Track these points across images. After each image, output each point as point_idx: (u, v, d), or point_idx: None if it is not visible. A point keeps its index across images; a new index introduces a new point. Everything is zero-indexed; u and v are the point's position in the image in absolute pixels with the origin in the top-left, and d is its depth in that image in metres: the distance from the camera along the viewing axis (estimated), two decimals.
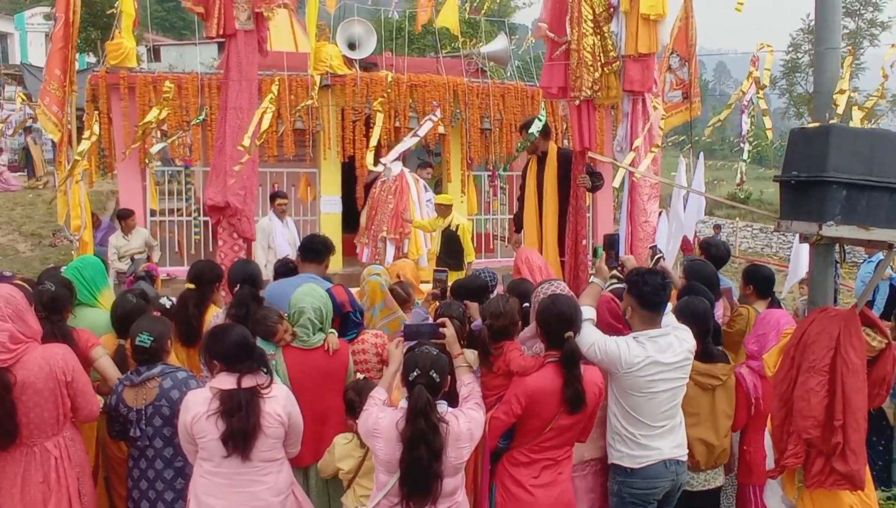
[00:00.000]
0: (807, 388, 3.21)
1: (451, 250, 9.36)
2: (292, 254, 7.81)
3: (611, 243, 4.72)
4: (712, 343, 4.50)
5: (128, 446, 4.20)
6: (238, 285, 4.72)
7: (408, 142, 9.59)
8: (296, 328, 4.38)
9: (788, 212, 3.15)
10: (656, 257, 5.40)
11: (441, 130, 11.82)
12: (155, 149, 8.26)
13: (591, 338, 3.93)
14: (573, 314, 3.84)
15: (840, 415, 3.14)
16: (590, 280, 4.50)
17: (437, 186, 11.31)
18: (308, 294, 4.43)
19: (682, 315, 4.33)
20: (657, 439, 3.97)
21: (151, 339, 4.04)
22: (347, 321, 4.63)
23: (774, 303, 5.39)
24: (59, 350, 3.78)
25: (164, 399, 3.96)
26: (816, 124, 3.08)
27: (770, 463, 3.63)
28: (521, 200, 8.03)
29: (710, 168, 19.57)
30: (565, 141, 12.42)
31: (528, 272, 4.93)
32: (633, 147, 6.67)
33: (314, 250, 5.36)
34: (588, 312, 4.10)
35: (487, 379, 3.98)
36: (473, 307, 4.62)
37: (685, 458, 4.11)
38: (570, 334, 3.78)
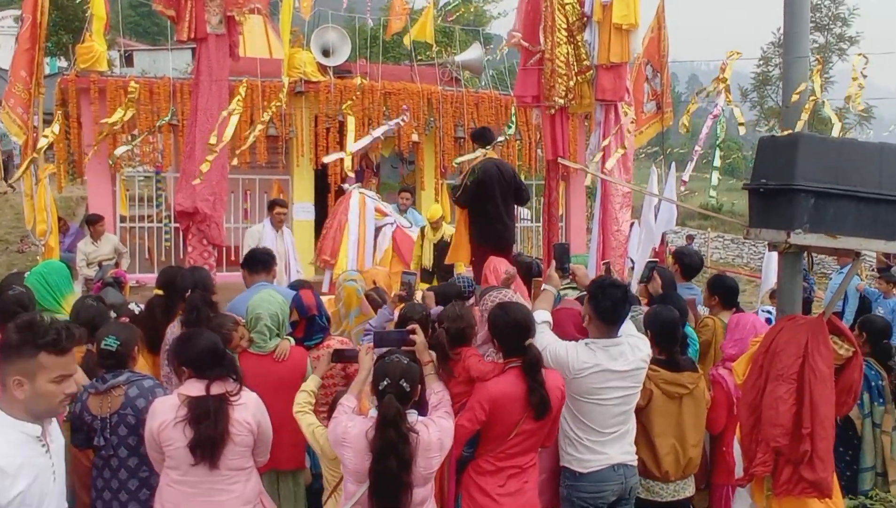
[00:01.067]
0: (775, 396, 3.22)
1: (445, 264, 9.00)
2: (280, 267, 7.74)
3: (560, 252, 4.79)
4: (679, 352, 4.51)
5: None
6: (189, 291, 4.69)
7: (367, 139, 9.65)
8: (252, 334, 4.37)
9: (757, 220, 3.17)
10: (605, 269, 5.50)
11: (415, 137, 11.80)
12: (119, 151, 8.11)
13: (543, 341, 3.95)
14: (528, 322, 3.83)
15: (808, 423, 3.15)
16: (542, 287, 4.55)
17: (413, 193, 11.18)
18: (265, 300, 4.43)
19: (651, 324, 4.35)
20: (606, 445, 3.98)
21: (118, 343, 3.95)
22: (313, 324, 4.59)
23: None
24: None
25: (130, 408, 3.87)
26: (786, 133, 3.11)
27: (739, 471, 3.64)
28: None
29: (680, 181, 19.74)
30: (538, 150, 12.46)
31: (495, 281, 4.93)
32: (601, 148, 6.70)
33: (261, 260, 5.50)
34: (542, 315, 4.15)
35: (449, 386, 3.94)
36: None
37: (634, 462, 4.10)
38: (531, 341, 3.78)
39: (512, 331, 3.77)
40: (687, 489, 4.47)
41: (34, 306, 4.37)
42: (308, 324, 4.58)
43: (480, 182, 6.59)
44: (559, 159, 6.87)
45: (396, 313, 4.86)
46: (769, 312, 5.03)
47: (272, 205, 9.17)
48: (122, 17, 12.91)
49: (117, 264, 10.01)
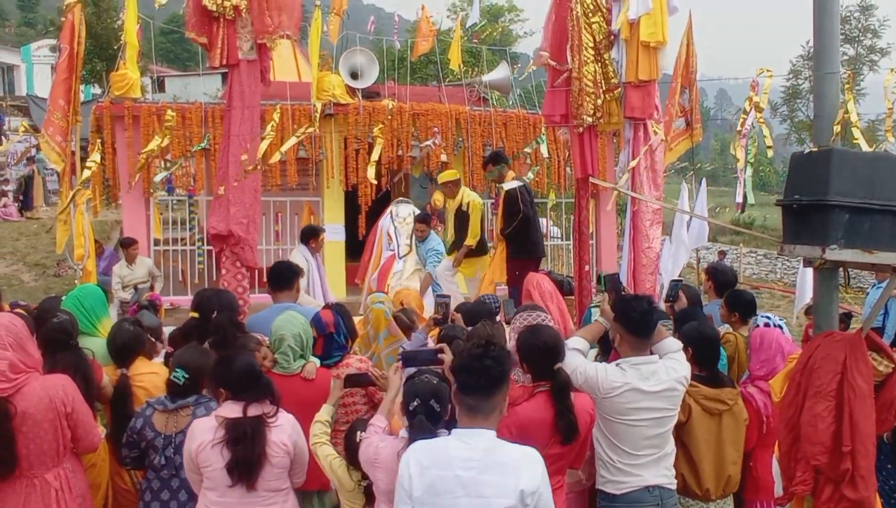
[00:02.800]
0: (814, 413, 3.18)
1: (465, 231, 8.94)
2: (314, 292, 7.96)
3: (614, 284, 4.76)
4: (718, 370, 4.46)
5: (132, 476, 4.14)
6: (215, 313, 4.74)
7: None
8: (276, 354, 4.40)
9: (791, 236, 3.15)
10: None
11: (444, 158, 11.84)
12: (158, 178, 8.26)
13: (573, 364, 3.91)
14: (557, 345, 3.81)
15: (848, 441, 3.11)
16: (594, 319, 4.48)
17: (428, 222, 10.67)
18: (289, 321, 4.46)
19: (692, 340, 4.31)
20: (640, 467, 3.91)
21: (185, 377, 3.98)
22: (331, 342, 4.60)
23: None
24: (58, 381, 3.73)
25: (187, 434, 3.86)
26: (818, 148, 3.09)
27: (778, 490, 3.59)
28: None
29: (712, 194, 19.61)
30: (567, 168, 12.45)
31: (539, 298, 4.91)
32: (630, 168, 6.69)
33: (283, 277, 5.54)
34: (578, 342, 4.11)
35: None
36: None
37: (672, 486, 4.02)
38: (560, 365, 3.75)
39: (540, 354, 3.75)
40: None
41: (77, 332, 4.42)
42: (326, 342, 4.59)
43: (518, 204, 7.46)
44: (590, 179, 6.87)
45: (430, 337, 4.88)
46: (768, 317, 4.93)
47: (314, 232, 8.71)
48: (154, 44, 13.13)
49: (152, 288, 10.15)
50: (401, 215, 9.92)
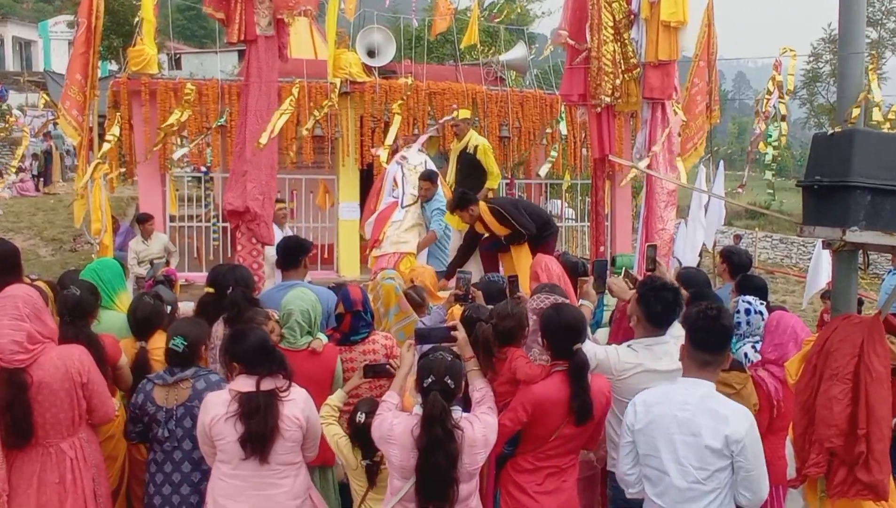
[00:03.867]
0: (829, 396, 3.17)
1: (470, 179, 8.64)
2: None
3: (600, 270, 4.81)
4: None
5: (147, 449, 4.18)
6: (230, 289, 4.76)
7: (424, 136, 9.19)
8: (284, 329, 4.42)
9: (811, 217, 3.11)
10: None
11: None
12: (177, 155, 8.25)
13: (584, 349, 3.89)
14: (580, 325, 3.81)
15: (863, 424, 3.09)
16: (579, 302, 4.55)
17: (433, 181, 9.47)
18: (298, 297, 4.49)
19: None
20: None
21: (185, 344, 4.02)
22: (359, 319, 4.63)
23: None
24: (75, 351, 3.78)
25: (198, 400, 3.90)
26: (840, 129, 3.05)
27: (791, 472, 3.58)
28: (461, 249, 8.15)
29: (729, 178, 19.46)
30: (584, 150, 12.38)
31: (546, 279, 4.91)
32: (650, 153, 6.65)
33: (292, 254, 5.52)
34: None
35: (494, 386, 3.93)
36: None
37: None
38: (579, 345, 3.75)
39: (562, 333, 3.74)
40: None
41: (90, 308, 4.41)
42: (354, 318, 4.62)
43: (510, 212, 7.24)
44: (609, 156, 6.84)
45: (454, 312, 4.87)
46: (748, 302, 4.92)
47: None
48: (171, 21, 13.13)
49: (167, 263, 10.21)
50: (411, 162, 9.23)
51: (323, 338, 4.56)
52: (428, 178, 8.72)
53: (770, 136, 4.96)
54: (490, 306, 4.53)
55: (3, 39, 39.12)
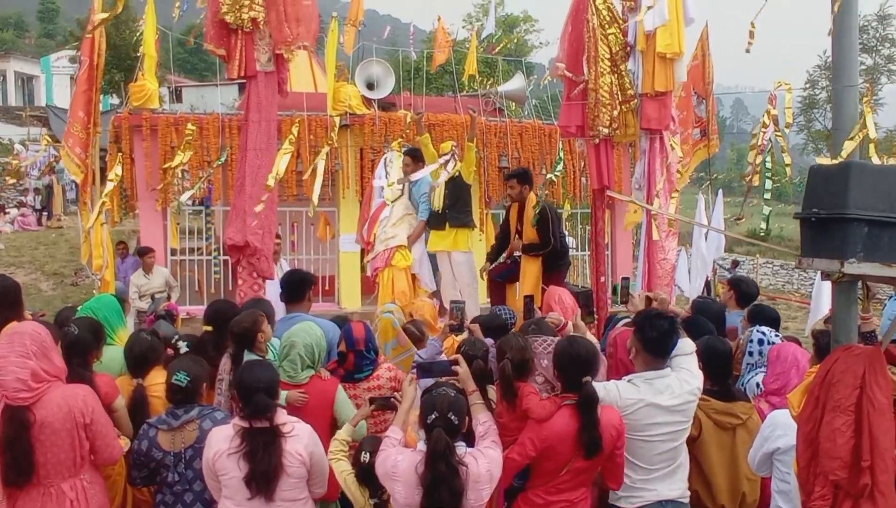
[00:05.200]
0: (832, 428, 3.15)
1: (461, 200, 8.54)
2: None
3: (586, 299, 4.96)
4: (732, 384, 4.44)
5: (150, 491, 4.14)
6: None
7: (428, 169, 8.97)
8: (284, 362, 4.40)
9: (809, 249, 3.12)
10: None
11: (459, 167, 11.83)
12: (184, 197, 8.27)
13: None
14: (591, 358, 3.81)
15: (868, 456, 3.07)
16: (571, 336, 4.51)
17: (416, 157, 9.20)
18: (304, 331, 4.47)
19: (703, 354, 4.29)
20: (654, 482, 3.90)
21: (188, 379, 3.99)
22: (362, 358, 4.62)
23: None
24: (80, 391, 3.74)
25: (206, 441, 3.86)
26: (835, 161, 3.07)
27: (797, 506, 3.56)
28: (498, 239, 8.35)
29: (728, 205, 19.51)
30: (583, 179, 12.43)
31: (560, 311, 4.91)
32: (656, 192, 6.68)
33: (295, 288, 5.58)
34: None
35: (508, 420, 3.91)
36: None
37: (685, 499, 4.00)
38: (588, 378, 3.74)
39: (573, 365, 3.75)
40: None
41: (87, 348, 4.39)
42: (357, 358, 4.62)
43: (556, 220, 7.50)
44: (607, 192, 6.88)
45: (452, 344, 4.87)
46: (763, 333, 4.94)
47: None
48: (172, 55, 13.25)
49: (168, 297, 10.21)
50: (395, 162, 9.06)
51: (324, 373, 4.54)
52: (412, 154, 8.54)
53: (767, 169, 4.99)
54: (488, 339, 4.53)
55: (6, 75, 39.43)
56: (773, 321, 5.35)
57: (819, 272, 3.50)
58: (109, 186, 5.94)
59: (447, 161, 7.38)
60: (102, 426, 3.79)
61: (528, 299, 5.51)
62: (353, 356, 4.60)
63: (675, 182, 7.03)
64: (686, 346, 4.05)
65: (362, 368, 4.64)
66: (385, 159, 8.97)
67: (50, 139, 8.16)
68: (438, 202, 8.53)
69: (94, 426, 3.73)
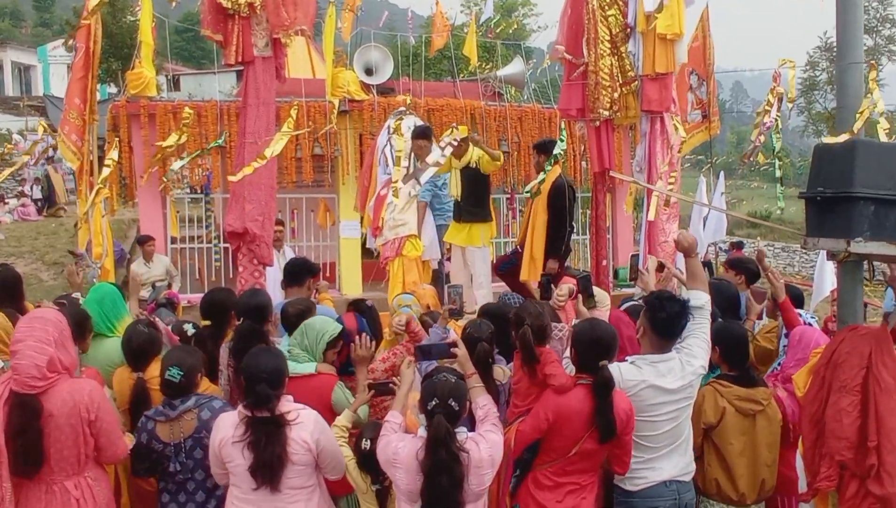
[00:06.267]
0: (838, 408, 3.14)
1: (476, 194, 8.15)
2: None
3: (585, 284, 4.79)
4: (751, 368, 4.38)
5: (157, 480, 4.12)
6: (234, 314, 4.73)
7: (431, 170, 8.72)
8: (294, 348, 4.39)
9: (815, 229, 3.10)
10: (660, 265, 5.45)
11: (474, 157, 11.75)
12: (176, 166, 8.10)
13: None
14: (610, 342, 3.79)
15: (874, 436, 3.07)
16: (573, 322, 4.49)
17: (428, 138, 8.45)
18: (313, 318, 4.46)
19: (721, 339, 4.24)
20: (657, 461, 3.89)
21: (181, 374, 3.93)
22: None
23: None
24: (86, 386, 3.64)
25: (205, 430, 3.83)
26: (841, 140, 3.03)
27: (803, 486, 3.55)
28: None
29: (729, 188, 19.47)
30: (583, 163, 12.39)
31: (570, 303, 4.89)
32: (659, 172, 6.64)
33: (293, 273, 5.62)
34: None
35: (526, 386, 3.88)
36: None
37: (688, 478, 3.98)
38: (605, 362, 3.72)
39: (592, 346, 3.74)
40: None
41: (85, 334, 4.37)
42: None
43: (568, 198, 7.20)
44: (610, 172, 6.83)
45: (455, 328, 4.84)
46: (799, 314, 4.82)
47: None
48: (169, 43, 13.17)
49: (169, 285, 10.18)
50: (397, 134, 8.28)
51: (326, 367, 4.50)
52: (422, 135, 7.89)
53: (773, 148, 4.94)
54: (490, 324, 4.49)
55: (3, 64, 39.29)
56: (799, 299, 5.25)
57: (821, 254, 3.47)
58: (105, 171, 5.90)
59: (445, 147, 7.20)
60: (108, 423, 3.67)
61: (546, 280, 5.43)
62: (347, 349, 4.57)
63: (675, 164, 6.98)
64: (699, 297, 3.99)
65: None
66: (388, 126, 8.47)
67: (47, 127, 8.06)
68: (456, 191, 8.27)
69: (99, 423, 3.62)
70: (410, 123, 8.29)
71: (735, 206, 31.12)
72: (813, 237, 3.10)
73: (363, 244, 11.87)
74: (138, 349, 4.43)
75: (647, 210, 7.37)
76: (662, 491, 3.89)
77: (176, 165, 7.64)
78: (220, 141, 9.72)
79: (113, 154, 6.11)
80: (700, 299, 3.98)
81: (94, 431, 3.61)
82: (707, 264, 13.01)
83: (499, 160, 8.02)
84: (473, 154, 7.97)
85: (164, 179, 10.08)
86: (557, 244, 7.40)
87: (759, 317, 5.44)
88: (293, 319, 4.57)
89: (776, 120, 5.24)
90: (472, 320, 4.70)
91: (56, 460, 3.55)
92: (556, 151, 6.76)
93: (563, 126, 7.61)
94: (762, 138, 5.28)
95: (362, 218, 9.07)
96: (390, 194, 7.98)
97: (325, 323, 4.46)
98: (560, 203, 7.21)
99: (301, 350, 4.38)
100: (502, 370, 4.34)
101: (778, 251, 27.90)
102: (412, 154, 7.99)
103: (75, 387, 3.58)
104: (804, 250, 26.28)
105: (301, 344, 4.40)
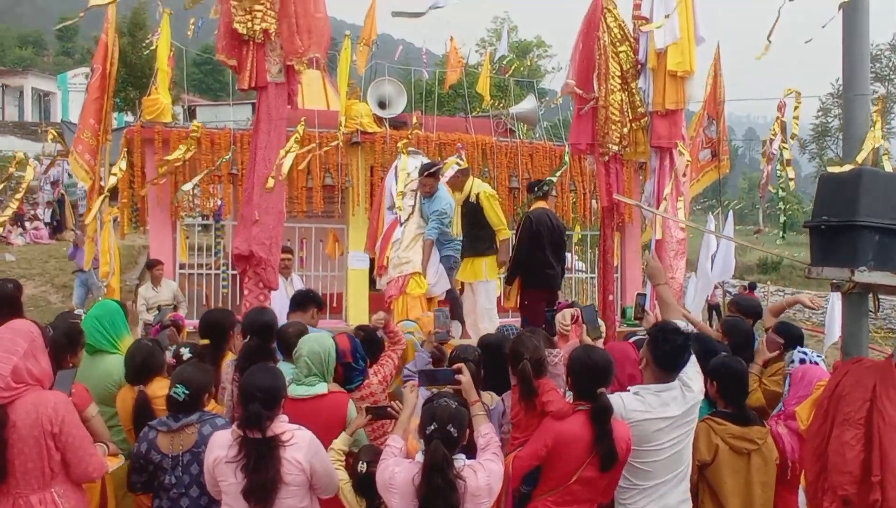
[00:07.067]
0: (842, 442, 3.09)
1: (476, 228, 8.03)
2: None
3: (590, 315, 4.86)
4: (747, 407, 4.34)
5: (150, 498, 4.07)
6: (249, 337, 4.71)
7: (454, 167, 8.42)
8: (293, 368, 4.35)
9: (819, 258, 3.08)
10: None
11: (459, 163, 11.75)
12: (186, 187, 8.18)
13: None
14: (606, 368, 3.77)
15: (878, 470, 3.01)
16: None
17: (436, 176, 8.55)
18: (314, 339, 4.41)
19: (719, 375, 4.22)
20: (660, 489, 3.84)
21: (186, 393, 3.91)
22: (351, 370, 4.57)
23: None
24: (51, 398, 3.54)
25: (204, 446, 3.78)
26: (847, 169, 3.03)
27: None
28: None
29: (739, 233, 19.44)
30: (593, 201, 12.40)
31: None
32: (663, 196, 6.65)
33: (298, 301, 5.68)
34: None
35: (525, 419, 3.86)
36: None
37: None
38: (603, 390, 3.70)
39: (588, 374, 3.72)
40: None
41: (74, 349, 4.36)
42: (346, 370, 4.56)
43: (535, 231, 7.10)
44: (615, 196, 6.82)
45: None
46: (805, 352, 4.81)
47: None
48: (186, 74, 13.37)
49: (175, 308, 10.19)
50: (406, 168, 8.35)
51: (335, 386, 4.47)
52: (429, 171, 7.85)
53: (779, 176, 4.97)
54: (471, 346, 4.49)
55: (23, 91, 39.90)
56: (799, 338, 5.25)
57: (831, 299, 3.45)
58: (112, 180, 5.93)
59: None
60: (75, 437, 3.56)
61: (550, 314, 5.41)
62: (342, 369, 4.54)
63: (681, 188, 6.98)
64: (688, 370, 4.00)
65: (352, 379, 4.58)
66: (395, 166, 8.59)
67: (56, 136, 8.10)
68: (457, 228, 8.29)
69: (65, 438, 3.51)
70: (413, 164, 8.33)
71: (746, 251, 31.02)
72: (817, 267, 3.08)
73: (371, 277, 11.90)
74: (141, 364, 4.44)
75: (655, 246, 7.37)
76: None
77: (186, 185, 7.69)
78: (227, 157, 9.76)
79: (121, 164, 6.14)
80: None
81: (58, 445, 3.51)
82: (714, 307, 12.94)
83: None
84: (473, 187, 7.95)
85: (176, 200, 10.11)
86: (512, 270, 7.44)
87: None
88: (293, 339, 4.55)
89: (780, 151, 5.27)
90: (461, 344, 4.71)
91: (21, 472, 3.45)
92: (543, 184, 6.91)
93: (566, 157, 7.69)
94: (769, 168, 5.30)
95: (373, 260, 9.06)
96: (397, 230, 8.06)
97: (324, 341, 4.43)
98: (519, 233, 7.26)
99: (314, 375, 4.33)
100: (490, 396, 4.31)
101: (788, 296, 27.77)
102: (417, 192, 8.07)
103: (41, 399, 3.50)
104: (815, 296, 26.20)
105: (315, 368, 4.33)
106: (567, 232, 13.30)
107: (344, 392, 4.46)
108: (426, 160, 8.56)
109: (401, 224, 8.23)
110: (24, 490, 3.47)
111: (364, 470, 3.80)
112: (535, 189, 7.57)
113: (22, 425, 3.42)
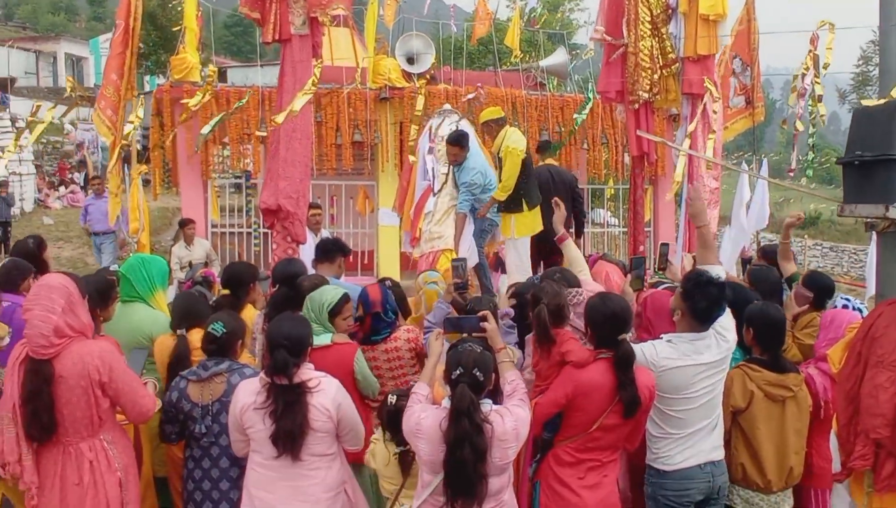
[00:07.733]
0: (875, 384, 3.02)
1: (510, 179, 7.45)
2: None
3: (638, 264, 4.84)
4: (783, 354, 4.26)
5: (184, 446, 4.12)
6: (277, 286, 4.72)
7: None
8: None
9: (853, 195, 2.99)
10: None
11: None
12: (205, 130, 8.17)
13: None
14: (625, 315, 3.71)
15: None
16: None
17: (463, 145, 7.90)
18: (317, 291, 4.41)
19: (756, 321, 4.12)
20: (695, 441, 3.80)
21: (224, 330, 3.95)
22: (379, 320, 4.56)
23: None
24: (95, 347, 3.60)
25: (233, 395, 3.79)
26: (881, 102, 2.92)
27: (836, 466, 3.43)
28: None
29: (776, 188, 19.09)
30: (626, 154, 12.23)
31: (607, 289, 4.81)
32: (689, 133, 6.51)
33: (324, 250, 5.59)
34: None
35: (543, 367, 3.82)
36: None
37: (721, 459, 3.90)
38: (624, 336, 3.65)
39: (607, 322, 3.66)
40: (787, 501, 4.12)
41: (103, 303, 4.38)
42: (374, 320, 4.55)
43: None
44: (637, 131, 6.66)
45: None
46: (847, 299, 4.69)
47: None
48: (215, 37, 13.35)
49: (206, 266, 10.30)
50: (441, 132, 7.85)
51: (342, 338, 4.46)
52: (455, 141, 7.30)
53: (811, 113, 4.82)
54: (491, 296, 4.45)
55: (56, 56, 40.19)
56: (830, 289, 5.13)
57: (871, 250, 3.35)
58: (128, 127, 5.93)
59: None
60: (124, 383, 3.64)
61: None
62: (370, 319, 4.54)
63: (711, 123, 6.81)
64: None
65: (380, 330, 4.57)
66: (430, 127, 8.31)
67: (77, 85, 8.11)
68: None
69: (114, 384, 3.60)
70: (447, 129, 8.00)
71: (783, 205, 30.49)
72: (850, 204, 2.98)
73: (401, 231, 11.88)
74: (186, 310, 4.52)
75: (685, 198, 7.23)
76: (697, 473, 3.81)
77: (205, 128, 7.70)
78: (260, 131, 9.74)
79: (138, 111, 6.13)
80: (715, 271, 3.91)
81: (109, 392, 3.60)
82: (748, 261, 12.75)
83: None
84: (504, 140, 7.30)
85: (198, 143, 9.98)
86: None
87: None
88: (307, 292, 4.55)
89: (812, 85, 5.09)
90: (476, 296, 4.67)
91: (70, 422, 3.55)
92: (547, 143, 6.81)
93: (582, 111, 7.54)
94: (800, 103, 5.13)
95: (401, 218, 8.98)
96: (429, 200, 7.93)
97: (323, 293, 4.41)
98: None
99: (315, 324, 4.34)
100: (511, 351, 4.26)
101: (826, 251, 27.36)
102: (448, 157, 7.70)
103: (85, 349, 3.57)
104: (853, 250, 25.74)
105: (310, 318, 4.36)
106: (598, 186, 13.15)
107: (352, 344, 4.44)
108: (459, 121, 8.24)
109: (434, 194, 8.02)
110: (73, 439, 3.58)
111: (393, 402, 3.78)
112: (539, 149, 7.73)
113: (69, 375, 3.50)
